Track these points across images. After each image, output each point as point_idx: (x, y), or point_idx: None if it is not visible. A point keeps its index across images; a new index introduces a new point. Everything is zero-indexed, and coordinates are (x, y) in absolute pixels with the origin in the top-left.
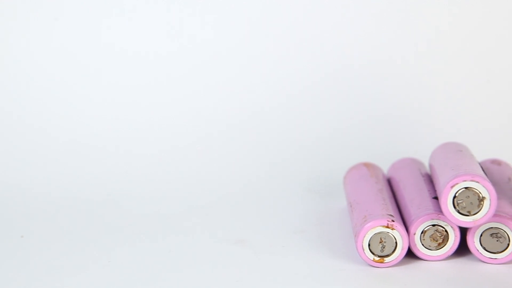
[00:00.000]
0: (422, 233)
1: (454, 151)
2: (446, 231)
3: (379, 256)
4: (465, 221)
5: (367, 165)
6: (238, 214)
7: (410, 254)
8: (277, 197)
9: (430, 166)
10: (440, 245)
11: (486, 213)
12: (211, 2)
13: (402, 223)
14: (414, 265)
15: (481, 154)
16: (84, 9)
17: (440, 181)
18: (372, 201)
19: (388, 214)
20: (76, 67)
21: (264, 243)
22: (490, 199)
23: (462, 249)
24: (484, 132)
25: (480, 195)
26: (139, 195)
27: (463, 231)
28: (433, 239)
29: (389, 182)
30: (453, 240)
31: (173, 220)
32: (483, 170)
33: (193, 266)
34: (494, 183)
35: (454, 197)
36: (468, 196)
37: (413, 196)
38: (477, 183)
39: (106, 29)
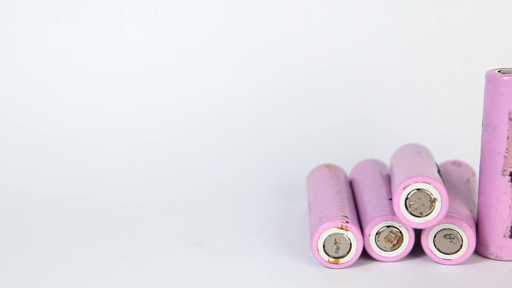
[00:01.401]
0: (376, 234)
1: (412, 152)
2: (400, 232)
3: (334, 257)
4: (417, 222)
5: (328, 167)
6: (201, 215)
7: (366, 255)
8: (241, 198)
9: (390, 167)
10: (395, 246)
11: (437, 215)
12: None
13: (357, 225)
14: (369, 266)
15: (446, 155)
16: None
17: (395, 182)
18: (329, 202)
19: (343, 216)
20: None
21: (224, 244)
22: (441, 201)
23: (418, 250)
24: (450, 134)
25: (432, 197)
26: (102, 193)
27: (418, 232)
28: (388, 240)
29: (351, 183)
30: (408, 241)
31: (134, 218)
32: (439, 172)
33: (149, 266)
34: (452, 184)
35: (406, 198)
36: (420, 198)
37: (371, 197)
38: (428, 185)
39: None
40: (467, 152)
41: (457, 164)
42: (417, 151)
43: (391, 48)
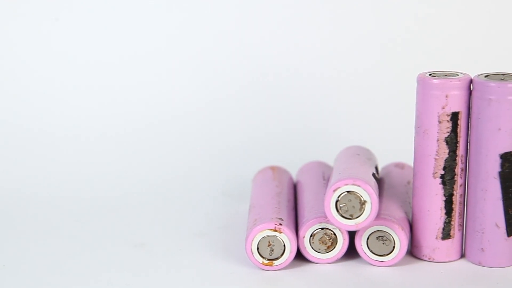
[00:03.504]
0: (311, 236)
1: (351, 154)
2: (334, 234)
3: (268, 259)
4: (347, 224)
5: (273, 169)
6: (144, 216)
7: (301, 257)
8: (187, 199)
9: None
10: (329, 248)
11: (367, 217)
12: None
13: (292, 227)
14: (304, 268)
15: (392, 157)
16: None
17: (328, 184)
18: (266, 204)
19: (277, 218)
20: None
21: (163, 246)
22: (371, 203)
23: (353, 252)
24: (398, 136)
25: (362, 199)
26: (42, 193)
27: (352, 234)
28: (322, 242)
29: (296, 185)
30: (342, 243)
31: (75, 218)
32: (374, 175)
33: (83, 267)
34: (392, 186)
35: (337, 200)
36: (350, 200)
37: (309, 199)
38: (358, 187)
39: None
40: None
41: (400, 166)
42: (356, 153)
43: (335, 53)
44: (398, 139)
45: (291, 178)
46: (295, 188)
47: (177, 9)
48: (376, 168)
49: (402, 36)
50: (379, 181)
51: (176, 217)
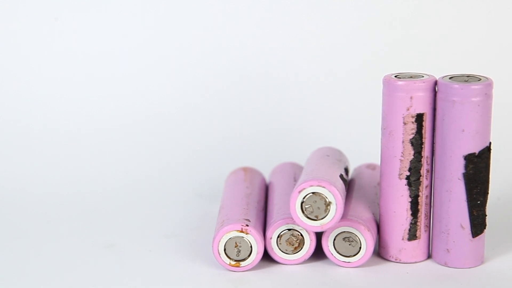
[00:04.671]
0: (278, 237)
1: (321, 156)
2: (301, 235)
3: (235, 260)
4: (313, 225)
5: (245, 170)
6: (117, 217)
7: (269, 258)
8: (160, 200)
9: None
10: (297, 249)
11: (332, 218)
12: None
13: (259, 228)
14: (271, 269)
15: (366, 158)
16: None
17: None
18: (234, 205)
19: (244, 219)
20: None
21: (133, 247)
22: (336, 204)
23: (320, 253)
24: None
25: (327, 200)
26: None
27: (319, 235)
28: (289, 243)
29: (268, 186)
30: (309, 245)
31: (45, 218)
32: (342, 176)
33: (52, 268)
34: (361, 187)
35: (302, 202)
36: (315, 201)
37: (278, 200)
38: (323, 188)
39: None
40: None
41: (372, 167)
42: (326, 155)
43: (309, 56)
44: (372, 140)
45: (263, 179)
46: (267, 189)
47: (157, 10)
48: (346, 169)
49: (377, 38)
50: (347, 182)
51: (148, 218)
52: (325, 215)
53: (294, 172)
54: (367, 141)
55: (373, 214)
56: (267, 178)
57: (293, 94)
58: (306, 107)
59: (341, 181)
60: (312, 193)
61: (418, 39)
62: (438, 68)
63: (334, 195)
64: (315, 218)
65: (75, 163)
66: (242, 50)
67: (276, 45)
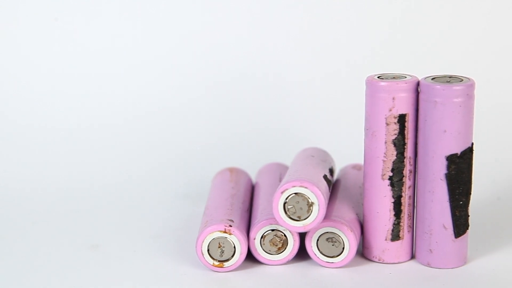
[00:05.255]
0: (262, 237)
1: (306, 156)
2: (285, 236)
3: (218, 261)
4: (295, 226)
5: (231, 170)
6: (103, 218)
7: (253, 258)
8: (147, 201)
9: None
10: (280, 250)
11: (315, 219)
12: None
13: (243, 229)
14: (255, 270)
15: (353, 159)
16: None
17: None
18: (219, 206)
19: (228, 219)
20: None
21: (118, 247)
22: (318, 205)
23: (304, 254)
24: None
25: (309, 201)
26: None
27: (303, 236)
28: (273, 244)
29: (254, 187)
30: (292, 245)
31: (30, 218)
32: (326, 177)
33: (36, 268)
34: (346, 187)
35: (285, 202)
36: (298, 202)
37: (263, 200)
38: (305, 189)
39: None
40: None
41: (357, 167)
42: (311, 155)
43: (296, 56)
44: (359, 141)
45: (249, 180)
46: (253, 190)
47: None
48: (331, 170)
49: (365, 40)
50: (332, 183)
51: (134, 218)
52: (307, 215)
53: (280, 173)
54: (354, 141)
55: (357, 214)
56: (254, 179)
57: (282, 95)
58: (293, 108)
59: (324, 182)
60: (295, 193)
61: (405, 41)
62: (423, 69)
63: (316, 195)
64: (298, 219)
65: (61, 164)
66: (229, 52)
67: (263, 47)
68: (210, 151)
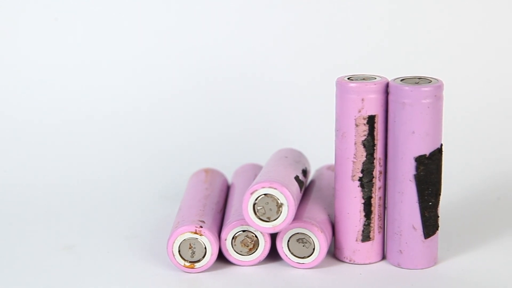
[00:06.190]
0: (233, 238)
1: (279, 157)
2: (256, 236)
3: (190, 262)
4: (265, 227)
5: (206, 171)
6: (79, 218)
7: (225, 259)
8: (124, 201)
9: None
10: (251, 251)
11: (284, 219)
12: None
13: (214, 229)
14: (226, 270)
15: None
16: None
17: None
18: (191, 206)
19: (199, 220)
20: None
21: (92, 248)
22: (288, 206)
23: (276, 254)
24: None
25: (279, 202)
26: None
27: (274, 237)
28: (244, 245)
29: (230, 187)
30: (264, 246)
31: (10, 221)
32: (297, 178)
33: (7, 268)
34: (319, 188)
35: (255, 203)
36: (267, 203)
37: (236, 201)
38: (275, 190)
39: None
40: None
41: (332, 168)
42: (284, 156)
43: (273, 58)
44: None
45: (225, 180)
46: (229, 190)
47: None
48: (304, 171)
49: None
50: (304, 184)
51: (110, 219)
52: (277, 216)
53: (255, 173)
54: (331, 143)
55: (329, 215)
56: (230, 179)
57: (260, 96)
58: (271, 109)
59: (296, 183)
60: (264, 194)
61: (381, 43)
62: (396, 70)
63: (286, 196)
64: (267, 220)
65: (36, 163)
66: (205, 55)
67: (239, 50)
68: (188, 152)
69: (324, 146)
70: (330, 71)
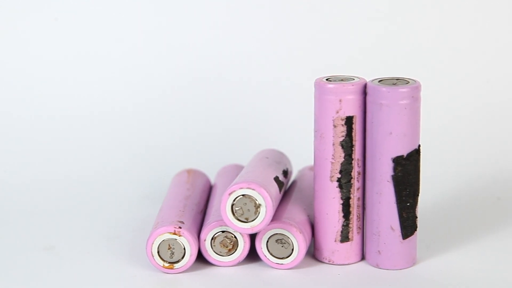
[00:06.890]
0: (212, 239)
1: (260, 158)
2: (235, 237)
3: (169, 262)
4: (243, 227)
5: (189, 172)
6: (60, 218)
7: (204, 260)
8: (106, 202)
9: None
10: (231, 251)
11: (262, 220)
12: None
13: (193, 230)
14: (206, 271)
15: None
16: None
17: None
18: (171, 207)
19: (178, 221)
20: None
21: (72, 249)
22: (266, 206)
23: (256, 255)
24: None
25: (257, 202)
26: None
27: (253, 237)
28: (223, 245)
29: (212, 188)
30: (243, 247)
31: None
32: (277, 178)
33: None
34: (300, 189)
35: (233, 204)
36: (245, 203)
37: (216, 202)
38: (253, 191)
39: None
40: None
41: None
42: (265, 157)
43: (254, 58)
44: None
45: (207, 181)
46: (211, 191)
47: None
48: (285, 172)
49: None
50: (284, 185)
51: (93, 219)
52: (255, 217)
53: (237, 174)
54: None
55: (308, 216)
56: (213, 180)
57: (244, 97)
58: (255, 110)
59: (275, 184)
60: (242, 195)
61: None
62: (377, 72)
63: (264, 197)
64: (246, 220)
65: (17, 161)
66: (187, 54)
67: (220, 50)
68: (171, 152)
69: (307, 147)
70: (313, 72)
